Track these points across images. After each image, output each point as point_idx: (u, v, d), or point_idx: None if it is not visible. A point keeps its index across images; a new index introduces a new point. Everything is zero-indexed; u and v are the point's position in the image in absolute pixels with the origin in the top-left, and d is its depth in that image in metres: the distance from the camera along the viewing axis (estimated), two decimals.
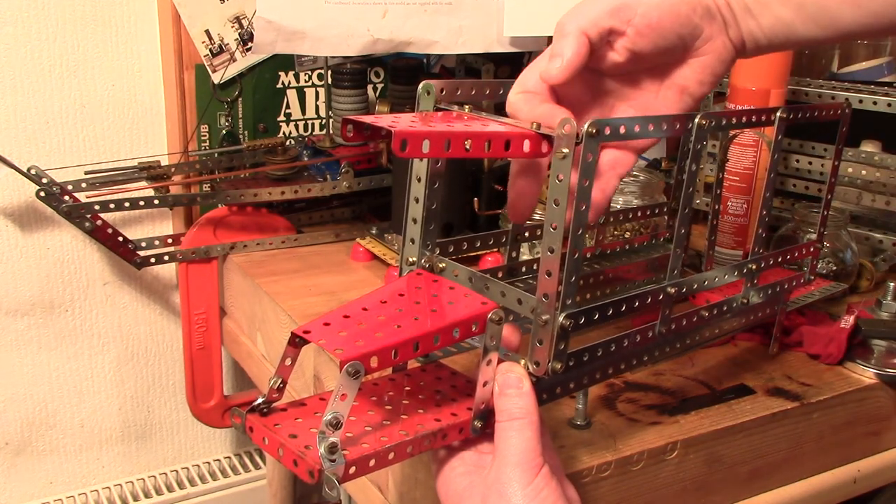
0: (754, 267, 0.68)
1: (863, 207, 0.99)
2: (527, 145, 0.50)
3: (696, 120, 0.57)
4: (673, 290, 0.60)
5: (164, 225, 1.10)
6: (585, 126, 0.48)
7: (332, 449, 0.45)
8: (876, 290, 0.91)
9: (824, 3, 0.54)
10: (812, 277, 0.77)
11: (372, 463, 0.47)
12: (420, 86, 0.55)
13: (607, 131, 0.50)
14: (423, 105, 0.56)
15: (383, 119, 0.47)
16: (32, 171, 0.91)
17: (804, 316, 0.82)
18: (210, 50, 1.03)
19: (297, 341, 0.48)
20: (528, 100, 0.54)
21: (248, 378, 1.07)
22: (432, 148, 0.47)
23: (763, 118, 0.64)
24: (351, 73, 1.04)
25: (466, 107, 0.55)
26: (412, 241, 0.59)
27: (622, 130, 0.51)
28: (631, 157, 0.56)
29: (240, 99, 1.07)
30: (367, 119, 0.47)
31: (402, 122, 0.47)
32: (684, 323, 0.63)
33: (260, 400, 0.50)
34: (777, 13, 0.55)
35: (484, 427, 0.53)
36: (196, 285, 1.01)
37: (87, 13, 1.00)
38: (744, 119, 0.62)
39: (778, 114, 0.65)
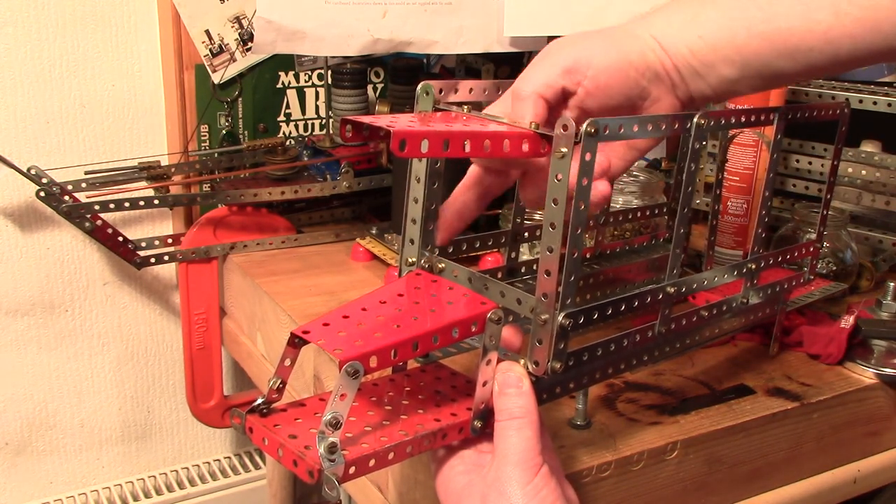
0: (753, 266, 0.68)
1: (863, 207, 0.99)
2: (525, 145, 0.50)
3: (695, 119, 0.57)
4: (672, 290, 0.60)
5: (164, 225, 1.10)
6: (584, 125, 0.48)
7: (332, 449, 0.45)
8: (876, 290, 0.91)
9: (766, 60, 0.56)
10: (812, 277, 0.77)
11: (371, 463, 0.47)
12: (418, 86, 0.55)
13: (606, 130, 0.50)
14: (422, 105, 0.56)
15: (381, 119, 0.47)
16: (32, 171, 0.91)
17: (804, 316, 0.82)
18: (210, 50, 1.03)
19: (296, 342, 0.48)
20: None
21: (248, 378, 1.07)
22: (431, 148, 0.47)
23: (761, 118, 0.64)
24: (351, 73, 1.04)
25: (465, 107, 0.55)
26: (411, 241, 0.59)
27: (621, 129, 0.51)
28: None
29: (240, 99, 1.07)
30: (366, 119, 0.47)
31: (400, 122, 0.47)
32: (684, 323, 0.63)
33: (259, 400, 0.50)
34: (723, 73, 0.57)
35: (484, 427, 0.53)
36: (196, 285, 1.01)
37: (87, 13, 1.00)
38: (742, 119, 0.62)
39: (776, 113, 0.65)
